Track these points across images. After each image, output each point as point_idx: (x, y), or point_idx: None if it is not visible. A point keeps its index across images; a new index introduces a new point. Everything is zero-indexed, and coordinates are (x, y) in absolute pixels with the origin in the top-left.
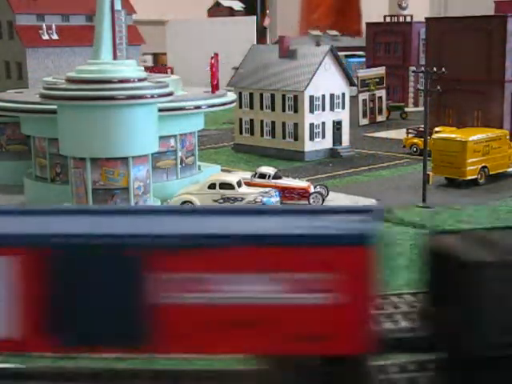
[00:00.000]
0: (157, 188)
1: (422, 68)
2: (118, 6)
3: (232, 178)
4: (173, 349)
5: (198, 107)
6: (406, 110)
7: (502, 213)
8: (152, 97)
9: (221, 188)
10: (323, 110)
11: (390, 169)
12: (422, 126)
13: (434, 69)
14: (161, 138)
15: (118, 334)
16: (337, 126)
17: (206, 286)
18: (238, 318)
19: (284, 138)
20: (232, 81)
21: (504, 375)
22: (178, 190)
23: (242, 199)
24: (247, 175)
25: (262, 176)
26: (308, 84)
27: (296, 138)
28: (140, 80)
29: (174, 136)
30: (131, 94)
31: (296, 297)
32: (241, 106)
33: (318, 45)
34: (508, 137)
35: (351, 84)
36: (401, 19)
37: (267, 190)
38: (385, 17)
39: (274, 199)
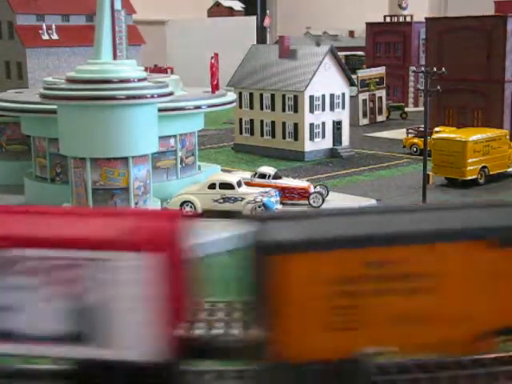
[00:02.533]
0: (157, 188)
1: (422, 68)
2: (118, 5)
3: (232, 178)
4: None
5: (198, 107)
6: (406, 109)
7: None
8: (152, 97)
9: (221, 188)
10: (323, 110)
11: (390, 169)
12: (422, 125)
13: (434, 69)
14: (161, 137)
15: None
16: (337, 125)
17: None
18: None
19: (284, 138)
20: (232, 81)
21: None
22: (178, 190)
23: (242, 199)
24: (247, 175)
25: (262, 176)
26: (308, 84)
27: (296, 138)
28: (140, 80)
29: (174, 136)
30: (131, 93)
31: None
32: (241, 106)
33: (318, 45)
34: (508, 137)
35: (351, 84)
36: (401, 19)
37: (267, 190)
38: (385, 17)
39: (274, 199)
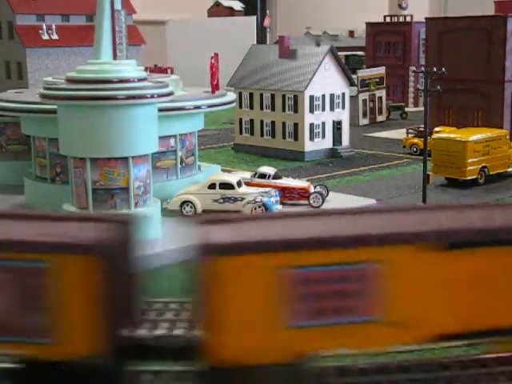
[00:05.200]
0: (157, 188)
1: (422, 68)
2: (118, 5)
3: (232, 178)
4: None
5: (198, 107)
6: (406, 109)
7: None
8: (152, 97)
9: (221, 188)
10: (323, 110)
11: (390, 169)
12: (422, 126)
13: (434, 69)
14: (161, 138)
15: None
16: (337, 125)
17: None
18: None
19: (284, 138)
20: (232, 81)
21: None
22: (178, 190)
23: (242, 199)
24: (247, 175)
25: (262, 176)
26: (308, 84)
27: (296, 138)
28: (140, 80)
29: (174, 136)
30: (131, 93)
31: None
32: (241, 106)
33: (318, 45)
34: (508, 137)
35: (351, 84)
36: (401, 19)
37: (267, 190)
38: (385, 17)
39: (274, 199)
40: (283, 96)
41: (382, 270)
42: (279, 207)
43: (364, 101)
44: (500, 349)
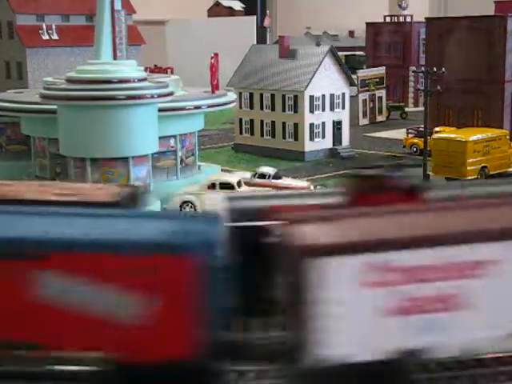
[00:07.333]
0: (157, 188)
1: (422, 68)
2: (118, 5)
3: (232, 178)
4: None
5: (198, 107)
6: (406, 109)
7: None
8: (152, 97)
9: (221, 188)
10: (323, 110)
11: None
12: (422, 126)
13: (434, 69)
14: (161, 138)
15: None
16: (337, 126)
17: None
18: None
19: (284, 138)
20: (232, 81)
21: None
22: (178, 190)
23: None
24: (247, 175)
25: (262, 176)
26: (308, 84)
27: (296, 138)
28: (140, 80)
29: (174, 136)
30: (131, 94)
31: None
32: (241, 106)
33: (318, 45)
34: (508, 137)
35: (351, 84)
36: (401, 19)
37: (267, 190)
38: (385, 17)
39: None
40: (283, 96)
41: None
42: None
43: (364, 101)
44: None
